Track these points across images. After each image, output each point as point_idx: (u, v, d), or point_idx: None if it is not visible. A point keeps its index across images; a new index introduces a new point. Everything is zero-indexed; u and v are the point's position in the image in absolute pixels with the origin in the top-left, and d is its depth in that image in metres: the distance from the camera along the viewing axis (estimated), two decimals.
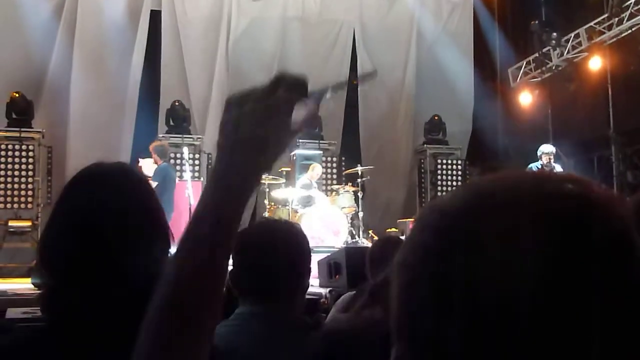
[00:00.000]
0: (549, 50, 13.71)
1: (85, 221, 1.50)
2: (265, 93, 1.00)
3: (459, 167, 14.60)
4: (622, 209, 0.69)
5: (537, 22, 13.47)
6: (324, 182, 13.53)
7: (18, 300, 6.40)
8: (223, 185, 0.99)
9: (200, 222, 0.98)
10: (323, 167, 12.89)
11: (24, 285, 8.15)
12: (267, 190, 11.48)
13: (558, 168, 10.38)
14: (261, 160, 1.01)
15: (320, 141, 13.91)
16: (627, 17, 12.04)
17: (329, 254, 7.71)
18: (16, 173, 11.91)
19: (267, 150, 1.01)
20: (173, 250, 1.24)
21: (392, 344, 0.74)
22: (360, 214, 11.63)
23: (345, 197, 11.63)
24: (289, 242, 2.13)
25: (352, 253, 6.96)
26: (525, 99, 14.52)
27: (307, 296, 2.24)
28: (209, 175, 1.09)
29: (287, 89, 1.00)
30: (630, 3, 11.89)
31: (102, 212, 1.50)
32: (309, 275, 2.20)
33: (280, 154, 1.04)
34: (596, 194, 0.69)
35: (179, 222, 9.96)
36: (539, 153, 10.48)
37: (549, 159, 10.36)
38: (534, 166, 10.32)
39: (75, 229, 1.50)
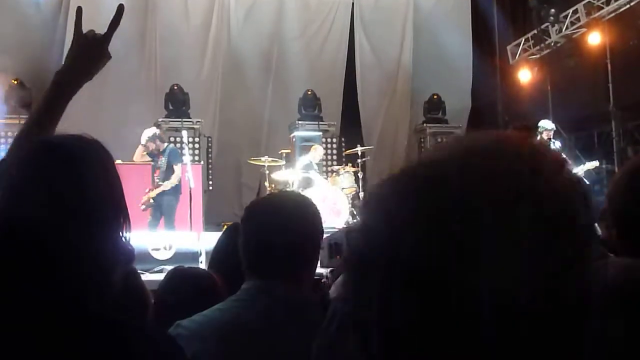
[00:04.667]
0: (547, 26, 13.65)
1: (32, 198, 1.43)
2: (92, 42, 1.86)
3: None
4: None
5: None
6: (325, 163, 13.53)
7: None
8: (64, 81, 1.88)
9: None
10: (323, 149, 12.89)
11: None
12: (267, 172, 11.48)
13: (557, 144, 10.35)
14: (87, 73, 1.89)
15: (320, 122, 13.89)
16: None
17: (329, 235, 7.73)
18: None
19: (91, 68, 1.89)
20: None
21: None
22: (361, 195, 11.63)
23: (346, 177, 11.63)
24: (299, 217, 2.04)
25: None
26: (525, 75, 14.47)
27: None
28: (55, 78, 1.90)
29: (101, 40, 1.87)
30: None
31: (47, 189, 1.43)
32: (318, 252, 2.11)
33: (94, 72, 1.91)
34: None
35: (180, 205, 9.96)
36: (539, 129, 10.41)
37: (549, 135, 10.31)
38: None
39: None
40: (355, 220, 11.14)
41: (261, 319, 1.92)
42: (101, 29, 1.89)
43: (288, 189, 11.14)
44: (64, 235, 1.31)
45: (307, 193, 10.91)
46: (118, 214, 1.51)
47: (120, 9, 1.85)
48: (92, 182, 1.48)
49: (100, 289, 1.38)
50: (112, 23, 1.88)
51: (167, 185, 9.58)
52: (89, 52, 1.85)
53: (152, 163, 9.78)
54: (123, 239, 1.49)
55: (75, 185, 1.45)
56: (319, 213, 2.12)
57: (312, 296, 2.09)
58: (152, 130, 9.87)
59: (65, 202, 1.42)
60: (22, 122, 10.12)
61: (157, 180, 9.72)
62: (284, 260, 1.97)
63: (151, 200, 9.69)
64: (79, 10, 1.85)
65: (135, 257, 1.65)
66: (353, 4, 15.50)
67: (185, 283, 2.71)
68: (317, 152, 11.75)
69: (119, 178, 1.56)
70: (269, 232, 1.99)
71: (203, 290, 2.52)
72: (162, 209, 9.71)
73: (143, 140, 9.64)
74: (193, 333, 1.86)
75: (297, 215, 2.03)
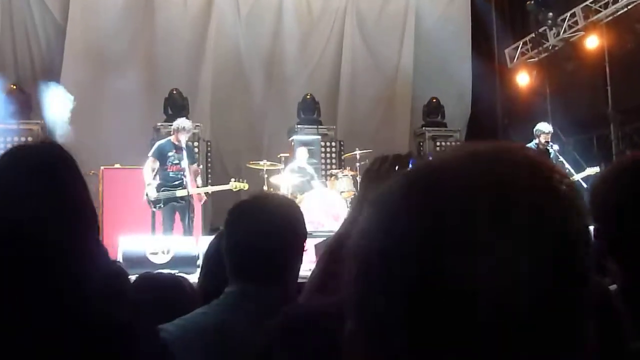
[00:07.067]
0: (545, 30, 13.67)
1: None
2: None
3: None
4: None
5: (532, 1, 13.41)
6: (323, 166, 13.54)
7: None
8: None
9: None
10: (322, 152, 12.91)
11: None
12: (266, 176, 11.47)
13: (555, 147, 10.33)
14: None
15: (319, 126, 13.90)
16: None
17: (326, 239, 7.71)
18: None
19: None
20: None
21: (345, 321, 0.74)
22: None
23: (345, 181, 11.62)
24: (282, 220, 2.05)
25: None
26: (523, 79, 14.48)
27: (305, 280, 2.17)
28: None
29: None
30: None
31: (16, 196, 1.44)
32: (301, 255, 2.12)
33: None
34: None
35: None
36: (536, 132, 10.36)
37: (547, 138, 10.28)
38: (532, 145, 10.26)
39: None
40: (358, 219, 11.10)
41: (246, 324, 1.91)
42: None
43: (287, 193, 11.15)
44: (47, 234, 1.30)
45: (306, 196, 10.92)
46: (92, 213, 1.52)
47: None
48: (68, 184, 1.52)
49: (85, 285, 1.37)
50: None
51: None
52: None
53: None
54: (96, 239, 1.50)
55: (53, 187, 1.46)
56: (302, 216, 2.14)
57: (296, 299, 2.08)
58: (183, 122, 9.75)
59: (44, 203, 1.44)
60: (22, 127, 9.88)
61: (183, 177, 9.38)
62: (264, 264, 1.99)
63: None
64: None
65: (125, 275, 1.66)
66: (346, 8, 15.50)
67: (145, 289, 2.64)
68: (301, 153, 11.74)
69: (85, 181, 1.58)
70: (249, 235, 2.01)
71: (164, 297, 2.46)
72: (189, 211, 9.51)
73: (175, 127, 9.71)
74: (177, 338, 1.83)
75: (278, 218, 2.05)
